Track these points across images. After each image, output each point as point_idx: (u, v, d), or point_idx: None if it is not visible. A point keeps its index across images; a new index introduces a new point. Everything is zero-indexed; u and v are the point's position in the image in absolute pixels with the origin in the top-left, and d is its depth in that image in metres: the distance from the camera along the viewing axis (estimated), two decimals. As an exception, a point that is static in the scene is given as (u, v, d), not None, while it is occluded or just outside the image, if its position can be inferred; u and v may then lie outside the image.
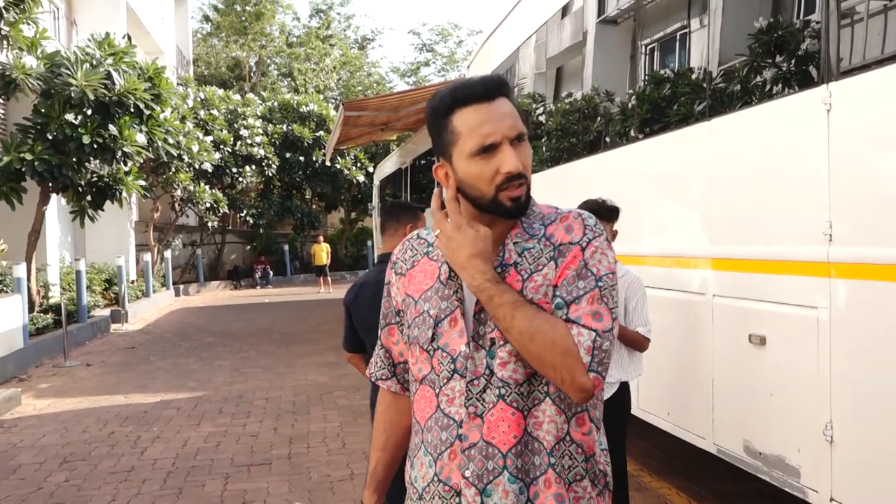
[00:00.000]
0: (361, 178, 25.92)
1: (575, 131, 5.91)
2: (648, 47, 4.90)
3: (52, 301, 11.93)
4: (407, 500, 1.64)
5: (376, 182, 19.89)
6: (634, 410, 4.74)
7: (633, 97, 4.90)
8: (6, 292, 9.52)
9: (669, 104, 4.39)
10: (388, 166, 17.90)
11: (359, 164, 26.13)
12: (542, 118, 6.70)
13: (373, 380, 1.79)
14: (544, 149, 6.42)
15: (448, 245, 1.50)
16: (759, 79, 3.60)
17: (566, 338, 1.41)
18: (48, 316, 11.04)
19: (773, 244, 3.36)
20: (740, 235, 3.64)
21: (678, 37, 4.56)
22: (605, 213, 3.61)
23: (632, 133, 4.85)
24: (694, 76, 4.20)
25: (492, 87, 1.50)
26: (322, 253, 21.71)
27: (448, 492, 1.51)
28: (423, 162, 13.34)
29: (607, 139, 5.28)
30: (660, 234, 4.44)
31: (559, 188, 5.85)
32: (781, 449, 3.29)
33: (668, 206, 4.41)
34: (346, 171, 25.58)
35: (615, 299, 1.47)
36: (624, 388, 3.70)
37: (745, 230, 3.60)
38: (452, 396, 1.52)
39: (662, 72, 4.69)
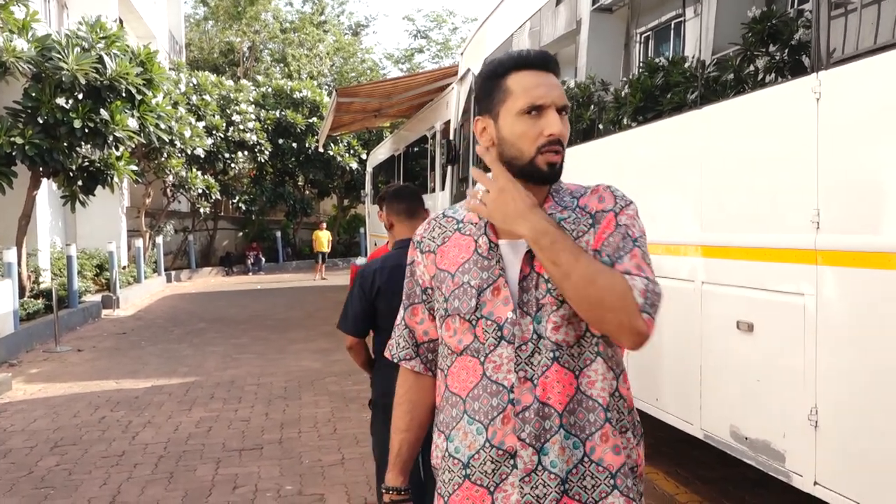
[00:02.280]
0: (354, 165, 25.87)
1: (568, 119, 5.92)
2: (643, 35, 4.90)
3: (42, 286, 11.91)
4: (443, 474, 1.66)
5: (369, 169, 19.86)
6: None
7: (627, 85, 4.90)
8: (-3, 277, 9.49)
9: (662, 92, 4.40)
10: (381, 153, 17.87)
11: (352, 151, 26.08)
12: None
13: (395, 360, 1.81)
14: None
15: (501, 198, 1.53)
16: (751, 67, 3.61)
17: (623, 281, 1.48)
18: (39, 301, 11.03)
19: (761, 231, 3.38)
20: (730, 223, 3.66)
21: (672, 25, 4.56)
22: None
23: (625, 121, 4.86)
24: (687, 64, 4.20)
25: (548, 61, 1.64)
26: (324, 239, 21.73)
27: (502, 455, 1.56)
28: (415, 149, 13.33)
29: (600, 127, 5.29)
30: (651, 222, 4.43)
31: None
32: (767, 434, 3.32)
33: (659, 193, 4.42)
34: (339, 158, 25.52)
35: (649, 259, 1.56)
36: None
37: (735, 217, 3.62)
38: (500, 363, 1.58)
39: (656, 60, 4.69)
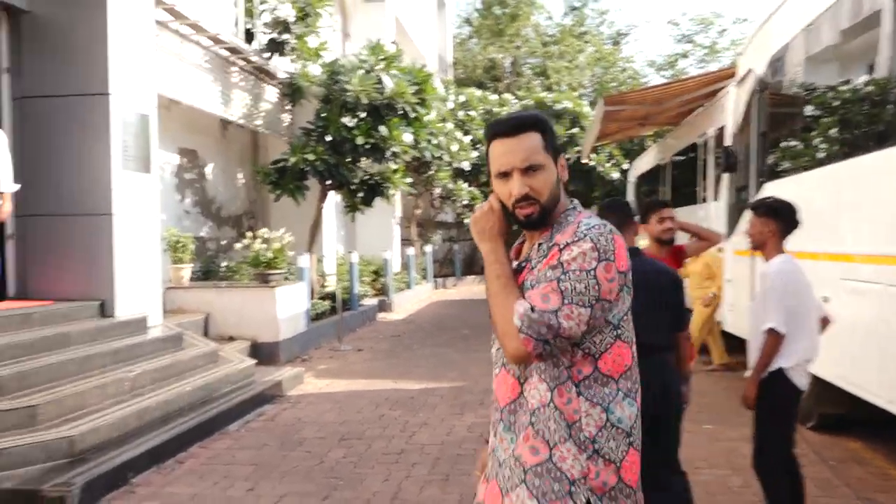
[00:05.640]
0: (616, 176, 25.43)
1: (859, 122, 5.28)
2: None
3: (327, 290, 12.99)
4: None
5: (632, 179, 19.37)
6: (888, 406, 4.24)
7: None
8: (292, 280, 10.50)
9: None
10: (644, 163, 17.35)
11: (613, 161, 25.66)
12: (819, 109, 6.09)
13: None
14: (830, 143, 5.80)
15: (484, 216, 2.00)
16: None
17: (510, 307, 1.82)
18: (325, 303, 12.03)
19: None
20: None
21: None
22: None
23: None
24: None
25: (517, 125, 1.92)
26: None
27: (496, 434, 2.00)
28: (683, 158, 12.75)
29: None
30: None
31: (843, 184, 5.25)
32: None
33: None
34: (599, 169, 25.25)
35: (579, 292, 1.78)
36: (774, 376, 3.80)
37: None
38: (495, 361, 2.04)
39: None
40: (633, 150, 24.96)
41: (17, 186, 6.76)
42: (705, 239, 4.84)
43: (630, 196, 19.42)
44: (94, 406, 5.87)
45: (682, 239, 5.07)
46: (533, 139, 1.91)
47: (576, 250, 1.80)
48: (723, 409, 6.77)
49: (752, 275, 7.56)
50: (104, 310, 7.41)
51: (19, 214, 7.33)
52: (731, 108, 8.95)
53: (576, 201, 2.00)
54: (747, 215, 4.21)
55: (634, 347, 1.91)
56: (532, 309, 1.77)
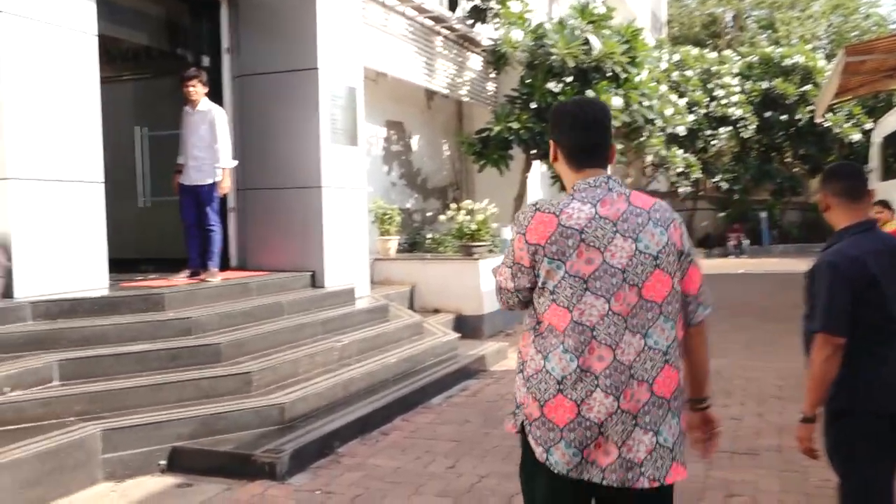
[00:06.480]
0: (856, 137, 22.82)
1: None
2: None
3: (531, 262, 12.72)
4: None
5: (877, 140, 17.20)
6: None
7: None
8: (496, 252, 10.32)
9: None
10: (892, 121, 15.30)
11: (853, 121, 23.03)
12: None
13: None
14: None
15: None
16: None
17: None
18: (527, 276, 11.76)
19: None
20: None
21: None
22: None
23: None
24: None
25: None
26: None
27: None
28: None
29: None
30: None
31: None
32: None
33: None
34: (836, 130, 22.79)
35: (506, 255, 2.33)
36: None
37: None
38: None
39: None
40: (877, 108, 22.26)
41: (236, 162, 7.08)
42: None
43: (874, 161, 17.28)
44: (303, 375, 6.02)
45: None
46: None
47: None
48: None
49: None
50: (315, 280, 7.64)
51: (239, 188, 7.73)
52: None
53: (579, 183, 2.23)
54: None
55: (585, 312, 2.14)
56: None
